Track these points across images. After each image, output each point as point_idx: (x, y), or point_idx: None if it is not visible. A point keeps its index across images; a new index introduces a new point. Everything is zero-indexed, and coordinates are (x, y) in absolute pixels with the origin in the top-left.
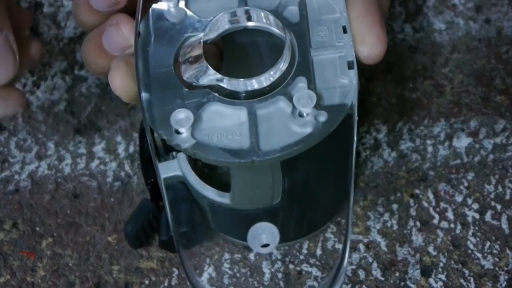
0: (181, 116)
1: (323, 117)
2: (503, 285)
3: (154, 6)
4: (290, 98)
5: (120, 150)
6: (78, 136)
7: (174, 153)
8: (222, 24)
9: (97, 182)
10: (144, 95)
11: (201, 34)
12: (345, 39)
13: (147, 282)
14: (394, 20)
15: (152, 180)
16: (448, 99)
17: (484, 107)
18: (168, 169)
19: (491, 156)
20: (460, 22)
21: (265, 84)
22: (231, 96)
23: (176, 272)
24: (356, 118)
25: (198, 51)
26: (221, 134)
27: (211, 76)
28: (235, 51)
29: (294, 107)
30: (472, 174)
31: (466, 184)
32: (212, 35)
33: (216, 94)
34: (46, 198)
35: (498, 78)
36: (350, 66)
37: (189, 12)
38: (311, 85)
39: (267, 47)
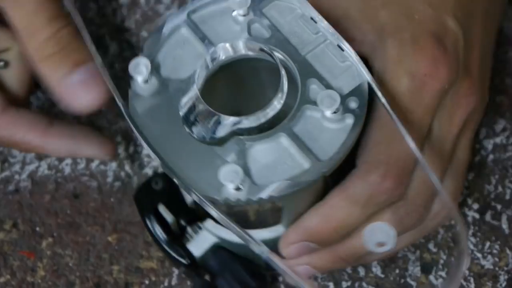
0: (230, 172)
1: (354, 103)
2: (503, 285)
3: (131, 88)
4: (314, 102)
5: (120, 150)
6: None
7: (191, 229)
8: (203, 70)
9: (97, 182)
10: (178, 169)
11: (194, 87)
12: (319, 27)
13: (147, 282)
14: None
15: (190, 260)
16: None
17: None
18: (201, 245)
19: (491, 156)
20: None
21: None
22: (257, 130)
23: (176, 272)
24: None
25: (201, 106)
26: (275, 169)
27: (227, 123)
28: (230, 81)
29: (323, 113)
30: (472, 174)
31: (466, 184)
32: (202, 81)
33: (246, 136)
34: (46, 198)
35: (497, 78)
36: (341, 48)
37: (166, 76)
38: (324, 82)
39: (259, 69)
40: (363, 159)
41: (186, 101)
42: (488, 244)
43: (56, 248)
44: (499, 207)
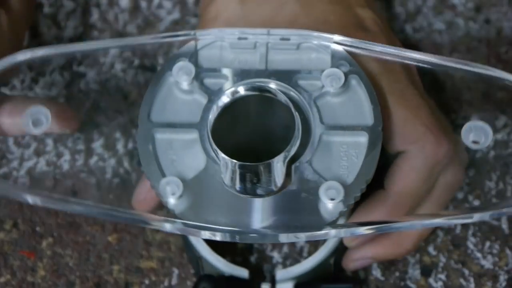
0: (331, 190)
1: (343, 67)
2: (503, 285)
3: (169, 207)
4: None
5: (119, 146)
6: (77, 132)
7: None
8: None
9: (96, 179)
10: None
11: (228, 162)
12: (251, 39)
13: (147, 282)
14: (394, 20)
15: None
16: (449, 95)
17: (485, 103)
18: None
19: (492, 153)
20: (460, 22)
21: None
22: (300, 149)
23: (176, 271)
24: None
25: (251, 170)
26: (345, 163)
27: (280, 161)
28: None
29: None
30: (473, 170)
31: (467, 180)
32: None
33: (299, 159)
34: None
35: None
36: (285, 39)
37: (189, 178)
38: (305, 72)
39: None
40: (405, 141)
41: (228, 178)
42: (488, 244)
43: (56, 248)
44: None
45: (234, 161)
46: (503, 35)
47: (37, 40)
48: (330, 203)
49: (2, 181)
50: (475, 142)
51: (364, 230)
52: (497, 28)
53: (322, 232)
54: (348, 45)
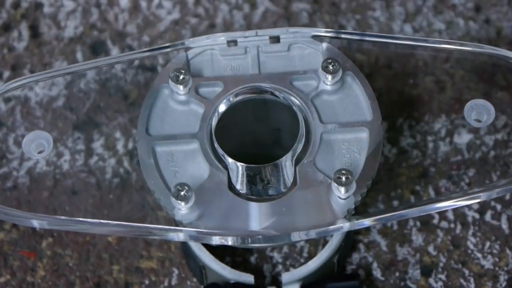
0: (345, 181)
1: (349, 76)
2: (503, 285)
3: (177, 218)
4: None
5: (119, 146)
6: (77, 132)
7: None
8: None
9: (96, 179)
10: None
11: (238, 168)
12: (240, 44)
13: (147, 282)
14: (393, 20)
15: None
16: (449, 95)
17: None
18: None
19: (492, 153)
20: (460, 22)
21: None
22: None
23: (176, 272)
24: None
25: (261, 172)
26: (348, 157)
27: (289, 159)
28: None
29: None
30: (473, 170)
31: (467, 180)
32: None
33: (304, 158)
34: (45, 194)
35: (499, 74)
36: (275, 38)
37: (196, 185)
38: (300, 73)
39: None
40: None
41: (238, 183)
42: (488, 244)
43: (56, 248)
44: (499, 207)
45: (244, 164)
46: (503, 35)
47: (37, 40)
48: (341, 197)
49: (7, 208)
50: (477, 120)
51: (370, 222)
52: (497, 28)
53: (334, 227)
54: (329, 37)
